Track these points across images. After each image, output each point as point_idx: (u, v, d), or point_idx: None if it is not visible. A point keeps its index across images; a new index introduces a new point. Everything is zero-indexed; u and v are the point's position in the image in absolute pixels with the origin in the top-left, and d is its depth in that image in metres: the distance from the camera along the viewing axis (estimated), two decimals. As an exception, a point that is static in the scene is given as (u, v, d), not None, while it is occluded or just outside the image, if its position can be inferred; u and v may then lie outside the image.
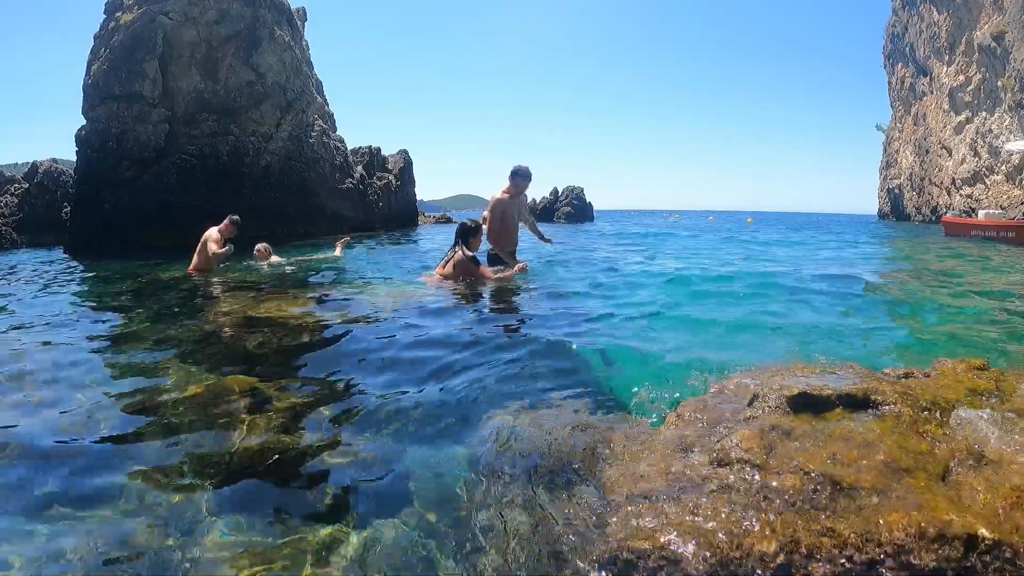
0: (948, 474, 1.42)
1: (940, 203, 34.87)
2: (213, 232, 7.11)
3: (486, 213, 5.86)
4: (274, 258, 8.08)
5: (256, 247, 8.08)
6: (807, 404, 1.81)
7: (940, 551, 1.16)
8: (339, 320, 3.96)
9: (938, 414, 1.72)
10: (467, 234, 5.33)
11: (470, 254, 5.22)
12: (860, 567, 1.17)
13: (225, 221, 7.32)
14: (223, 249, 7.02)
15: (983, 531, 1.18)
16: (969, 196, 31.39)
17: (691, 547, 1.28)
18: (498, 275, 5.37)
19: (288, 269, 7.75)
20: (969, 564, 1.15)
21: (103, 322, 4.56)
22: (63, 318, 4.57)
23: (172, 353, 3.26)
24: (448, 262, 5.30)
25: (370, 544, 1.48)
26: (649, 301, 5.01)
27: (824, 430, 1.65)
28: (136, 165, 13.07)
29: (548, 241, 6.73)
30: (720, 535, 1.29)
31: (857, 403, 1.79)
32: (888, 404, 1.76)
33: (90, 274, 8.27)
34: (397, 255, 10.63)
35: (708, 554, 1.25)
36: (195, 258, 7.12)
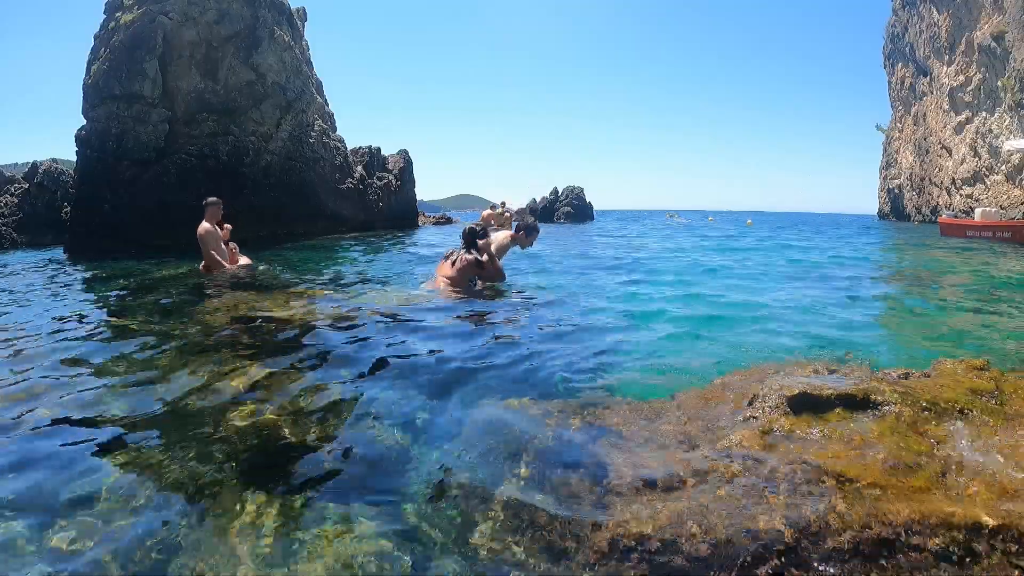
0: (947, 474, 1.42)
1: (940, 203, 34.84)
2: (206, 227, 6.92)
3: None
4: (243, 259, 7.65)
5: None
6: (807, 404, 1.81)
7: (945, 535, 1.16)
8: (343, 322, 3.96)
9: (938, 414, 1.72)
10: (476, 237, 5.35)
11: (477, 257, 5.22)
12: (867, 548, 1.17)
13: (208, 210, 6.92)
14: (235, 261, 7.23)
15: (986, 518, 1.18)
16: (969, 196, 31.36)
17: (691, 529, 1.28)
18: (496, 259, 5.40)
19: (261, 267, 7.71)
20: (973, 548, 1.15)
21: (103, 321, 4.56)
22: (62, 317, 4.57)
23: (173, 351, 3.26)
24: (452, 263, 5.29)
25: (366, 532, 1.49)
26: (648, 300, 5.03)
27: (824, 431, 1.66)
28: (136, 165, 13.06)
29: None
30: (723, 518, 1.29)
31: (857, 403, 1.79)
32: (888, 404, 1.76)
33: (90, 274, 8.26)
34: (399, 255, 10.63)
35: (710, 536, 1.26)
36: (204, 259, 7.12)
